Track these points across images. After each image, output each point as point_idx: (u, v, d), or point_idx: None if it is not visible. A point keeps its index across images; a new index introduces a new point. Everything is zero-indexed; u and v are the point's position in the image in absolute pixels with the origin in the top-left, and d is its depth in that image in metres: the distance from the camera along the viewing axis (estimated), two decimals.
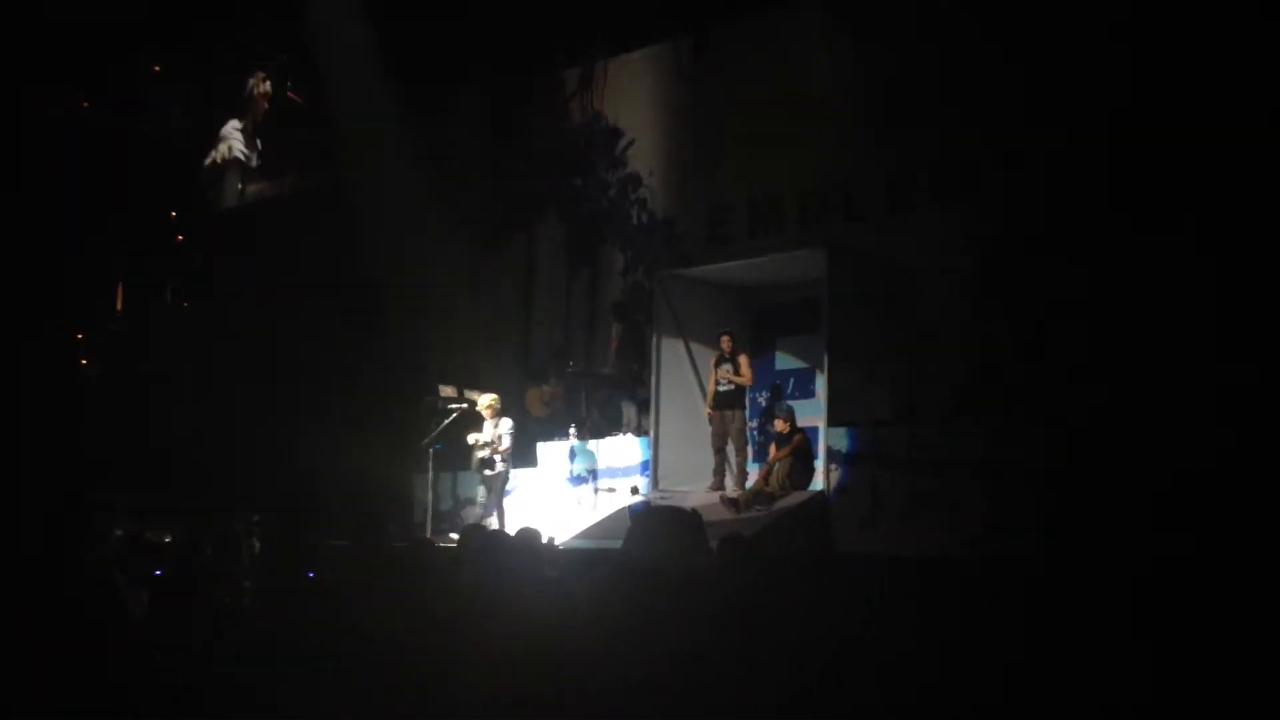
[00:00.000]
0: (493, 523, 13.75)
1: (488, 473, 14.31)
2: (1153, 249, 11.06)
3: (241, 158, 16.22)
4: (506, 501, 14.57)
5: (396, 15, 16.89)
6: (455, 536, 12.47)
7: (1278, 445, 9.53)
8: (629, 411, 15.40)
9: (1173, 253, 10.88)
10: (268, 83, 15.51)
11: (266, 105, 15.35)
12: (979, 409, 12.04)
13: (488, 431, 14.33)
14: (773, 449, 13.31)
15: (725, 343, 13.65)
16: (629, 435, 15.01)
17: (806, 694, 3.54)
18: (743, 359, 13.61)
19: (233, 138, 15.42)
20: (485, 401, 14.50)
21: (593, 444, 15.02)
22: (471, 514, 14.49)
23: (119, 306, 19.54)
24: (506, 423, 14.41)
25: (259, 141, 16.82)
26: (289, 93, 15.65)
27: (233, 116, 15.71)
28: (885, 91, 13.60)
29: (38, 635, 4.58)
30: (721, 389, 13.68)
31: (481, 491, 14.49)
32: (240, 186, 16.49)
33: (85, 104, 18.35)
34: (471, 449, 14.48)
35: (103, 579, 5.29)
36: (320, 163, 17.73)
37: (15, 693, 4.36)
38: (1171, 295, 10.84)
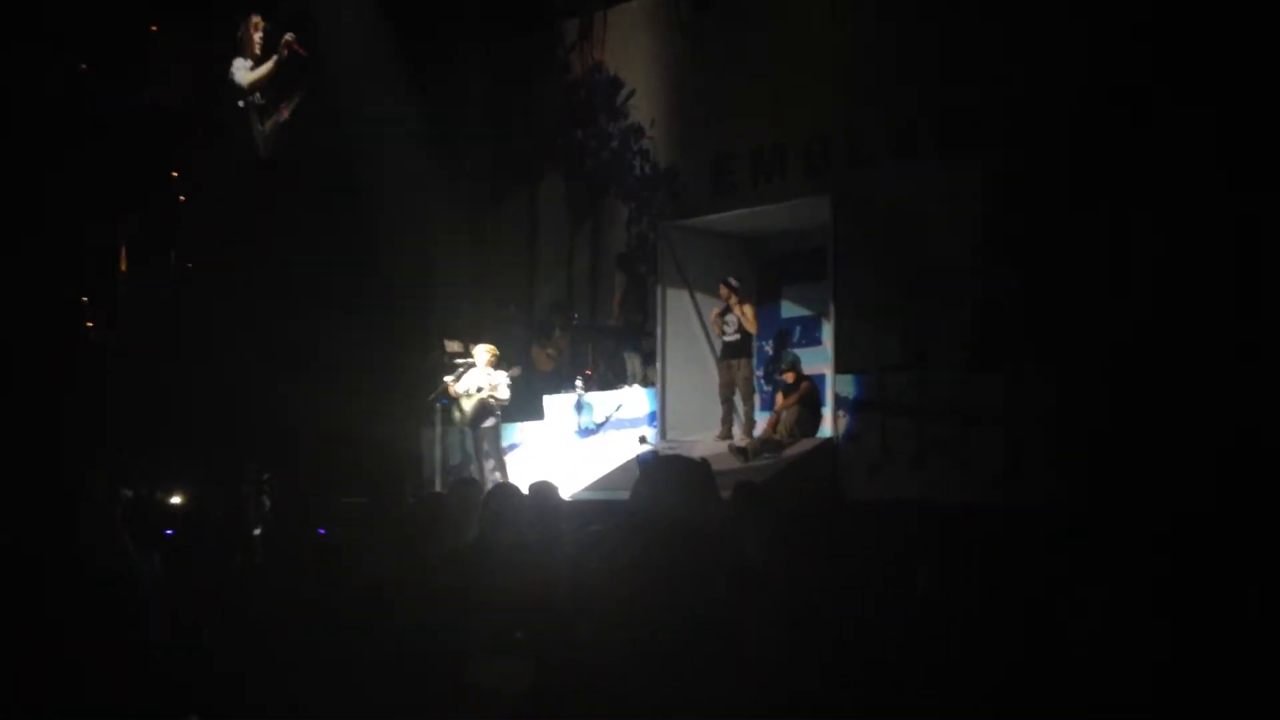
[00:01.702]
0: (497, 476, 13.68)
1: (486, 425, 14.25)
2: (1163, 195, 10.98)
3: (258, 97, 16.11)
4: (514, 456, 14.55)
5: None
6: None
7: None
8: (634, 363, 15.38)
9: (1186, 199, 10.80)
10: (260, 30, 15.36)
11: (260, 49, 15.21)
12: (989, 355, 12.01)
13: (480, 380, 14.18)
14: (779, 398, 13.29)
15: (725, 292, 13.58)
16: (635, 386, 15.00)
17: (830, 650, 3.53)
18: (746, 308, 13.54)
19: (242, 73, 15.32)
20: (483, 352, 14.37)
21: (589, 397, 15.00)
22: (475, 469, 14.43)
23: (123, 268, 19.49)
24: (503, 374, 14.33)
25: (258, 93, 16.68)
26: (297, 47, 15.50)
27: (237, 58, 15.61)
28: (889, 39, 13.50)
29: (46, 600, 4.58)
30: (727, 338, 13.65)
31: (476, 445, 14.41)
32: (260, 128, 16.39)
33: (85, 67, 18.25)
34: (457, 401, 14.42)
35: (112, 541, 5.28)
36: (321, 119, 17.64)
37: (22, 661, 4.36)
38: (1187, 242, 10.76)
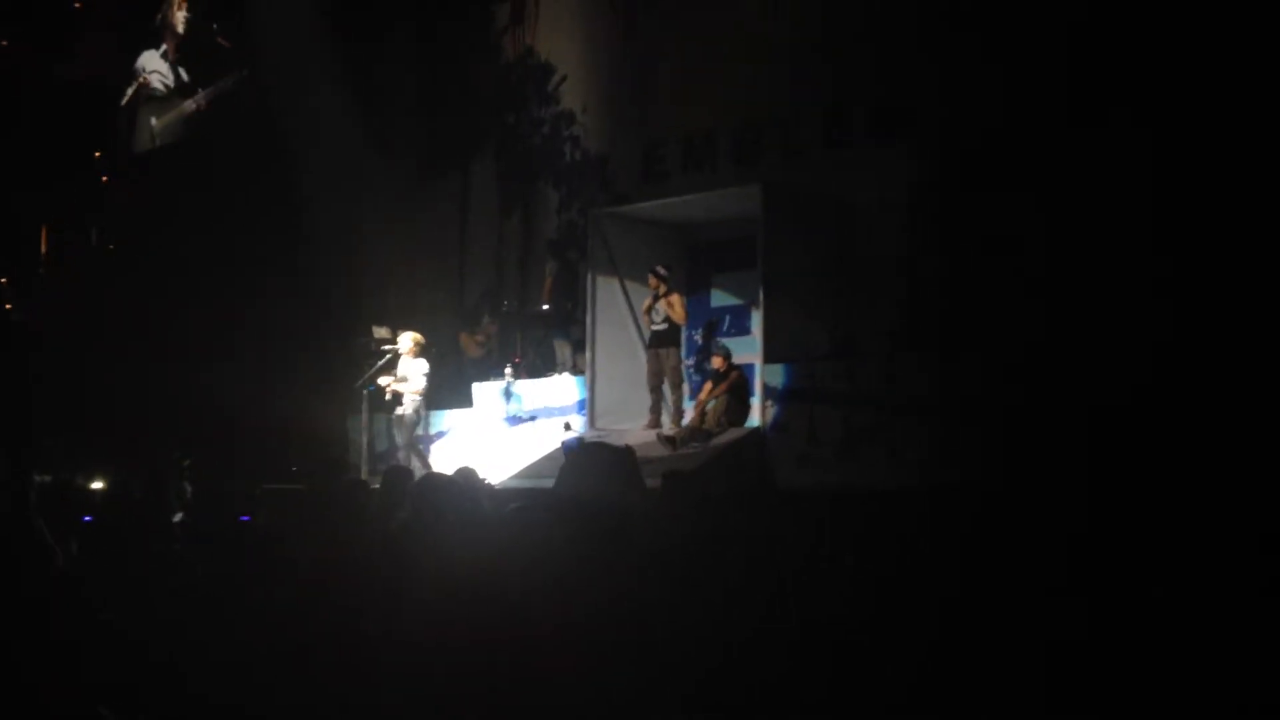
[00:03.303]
0: (413, 466, 13.59)
1: (398, 412, 14.20)
2: (1090, 181, 11.09)
3: (161, 89, 15.80)
4: (442, 444, 14.47)
5: None
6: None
7: (1209, 375, 9.64)
8: (563, 350, 15.32)
9: (1110, 183, 10.92)
10: (185, 7, 15.11)
11: (182, 31, 14.96)
12: (917, 344, 12.09)
13: (402, 369, 14.17)
14: (707, 386, 13.28)
15: (653, 281, 13.56)
16: (565, 374, 14.95)
17: (753, 634, 3.52)
18: (674, 297, 13.51)
19: (155, 66, 15.00)
20: (407, 340, 14.31)
21: (518, 385, 14.93)
22: (401, 457, 14.37)
23: (44, 250, 19.18)
24: (421, 363, 14.26)
25: (181, 71, 16.43)
26: (219, 38, 15.28)
27: (149, 48, 15.29)
28: (820, 26, 13.52)
29: None
30: (655, 327, 13.62)
31: (397, 435, 14.38)
32: (153, 121, 16.09)
33: (3, 43, 17.92)
34: (386, 388, 14.35)
35: (24, 525, 5.18)
36: (246, 100, 17.43)
37: None
38: (1108, 226, 10.89)
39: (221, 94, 15.94)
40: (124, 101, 15.15)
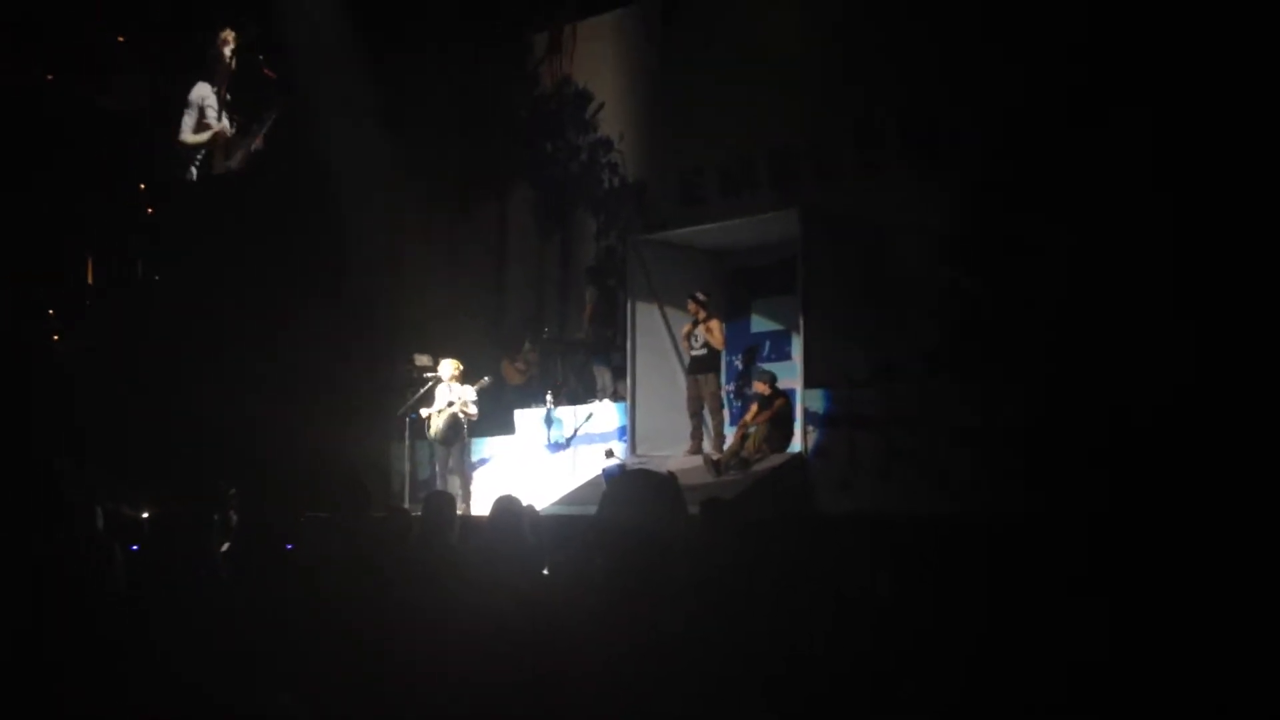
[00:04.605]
0: (454, 490, 13.66)
1: (453, 440, 14.26)
2: (1127, 204, 11.06)
3: (216, 125, 15.96)
4: (484, 470, 14.53)
5: None
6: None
7: (1246, 401, 9.58)
8: (603, 377, 15.36)
9: (1148, 207, 10.89)
10: (232, 40, 15.25)
11: (233, 67, 15.10)
12: (956, 367, 12.06)
13: (449, 395, 14.23)
14: (753, 409, 13.25)
15: (692, 307, 13.59)
16: (605, 400, 14.98)
17: (797, 661, 3.53)
18: (713, 323, 13.54)
19: (208, 102, 15.12)
20: (448, 367, 14.38)
21: (559, 411, 14.98)
22: (441, 485, 14.40)
23: (90, 281, 19.37)
24: (469, 389, 14.33)
25: (226, 109, 16.58)
26: (264, 69, 15.42)
27: (199, 80, 15.43)
28: (855, 51, 13.55)
29: (45, 617, 4.54)
30: (694, 353, 13.65)
31: (438, 461, 14.45)
32: (224, 157, 16.26)
33: (50, 77, 18.14)
34: (430, 417, 14.42)
35: (102, 554, 5.25)
36: (289, 132, 17.58)
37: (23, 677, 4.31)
38: (1147, 247, 10.85)
39: (272, 127, 16.09)
40: (183, 136, 15.27)
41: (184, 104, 15.80)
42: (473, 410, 14.19)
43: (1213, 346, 9.93)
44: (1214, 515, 8.47)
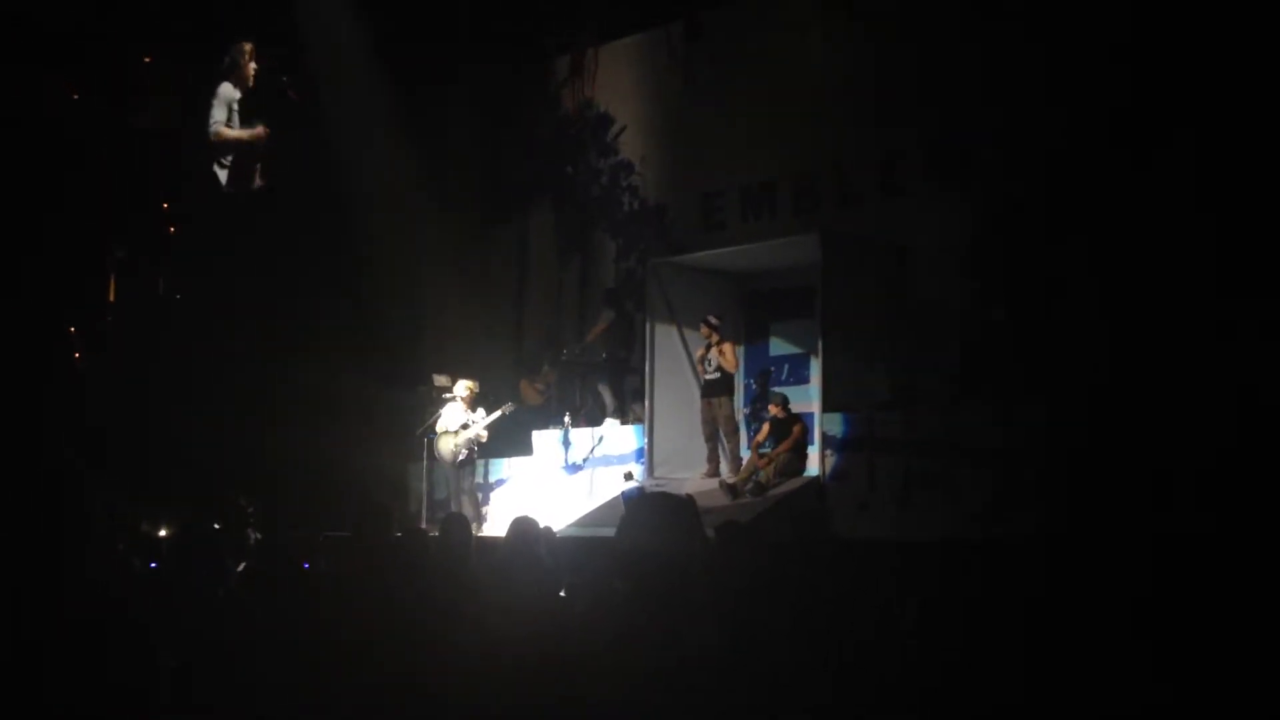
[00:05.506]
0: (466, 510, 13.72)
1: (462, 462, 14.31)
2: (1151, 224, 11.03)
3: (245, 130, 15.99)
4: (501, 491, 14.54)
5: (387, 4, 16.80)
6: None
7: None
8: (606, 395, 15.37)
9: (1171, 226, 10.85)
10: (254, 58, 15.26)
11: (252, 84, 15.11)
12: (978, 390, 12.02)
13: (462, 417, 14.28)
14: (765, 428, 13.19)
15: (705, 330, 13.55)
16: (613, 421, 14.98)
17: (814, 684, 3.51)
18: (725, 346, 13.49)
19: (235, 103, 15.13)
20: (462, 388, 14.45)
21: (575, 433, 14.98)
22: (454, 505, 14.43)
23: (111, 298, 19.44)
24: (480, 412, 14.39)
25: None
26: (289, 91, 15.46)
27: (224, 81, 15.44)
28: (876, 74, 13.56)
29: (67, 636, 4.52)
30: (708, 376, 13.61)
31: (450, 481, 14.50)
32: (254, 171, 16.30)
33: (76, 96, 18.25)
34: (439, 437, 14.45)
35: (125, 571, 5.25)
36: (312, 153, 17.64)
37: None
38: (1170, 269, 10.81)
39: (288, 146, 16.12)
40: (214, 126, 15.21)
41: (212, 97, 15.84)
42: (483, 435, 14.27)
43: (1243, 368, 9.87)
44: (1241, 538, 8.41)
